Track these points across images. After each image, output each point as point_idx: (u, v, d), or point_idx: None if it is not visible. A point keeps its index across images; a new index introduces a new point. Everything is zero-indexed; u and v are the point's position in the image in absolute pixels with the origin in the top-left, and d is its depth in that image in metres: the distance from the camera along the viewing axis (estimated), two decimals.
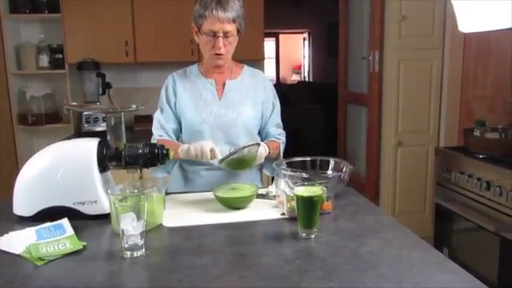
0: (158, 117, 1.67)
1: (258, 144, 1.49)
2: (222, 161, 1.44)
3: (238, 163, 1.45)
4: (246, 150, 1.43)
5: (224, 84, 1.67)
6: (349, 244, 1.08)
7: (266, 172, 1.77)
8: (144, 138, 1.48)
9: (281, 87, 5.76)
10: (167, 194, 1.44)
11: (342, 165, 1.48)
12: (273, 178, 1.55)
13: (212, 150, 1.45)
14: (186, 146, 1.52)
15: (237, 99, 1.65)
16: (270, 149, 1.60)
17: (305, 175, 1.32)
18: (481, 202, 2.08)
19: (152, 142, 1.59)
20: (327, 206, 1.29)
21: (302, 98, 5.98)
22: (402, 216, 3.09)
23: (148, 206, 1.06)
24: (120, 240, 1.03)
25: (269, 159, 1.63)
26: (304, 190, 1.13)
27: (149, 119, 1.70)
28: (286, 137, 1.77)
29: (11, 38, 3.10)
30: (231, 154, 1.43)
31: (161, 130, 1.65)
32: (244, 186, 1.46)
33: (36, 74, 3.16)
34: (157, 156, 1.30)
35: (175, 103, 1.65)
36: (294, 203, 1.20)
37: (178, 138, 1.69)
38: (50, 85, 3.24)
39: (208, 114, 1.62)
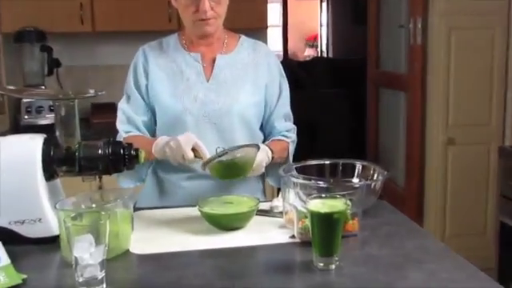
0: (123, 107, 1.67)
1: (257, 146, 1.49)
2: (205, 164, 1.43)
3: (227, 169, 1.45)
4: (238, 152, 1.43)
5: (214, 60, 1.67)
6: (381, 277, 1.08)
7: (270, 181, 1.77)
8: (105, 134, 1.48)
9: (290, 65, 5.75)
10: (136, 209, 1.44)
11: (372, 170, 1.48)
12: (279, 189, 1.55)
13: (195, 149, 1.44)
14: (160, 143, 1.52)
15: (231, 80, 1.65)
16: (274, 152, 1.60)
17: (322, 184, 1.32)
18: None
19: (118, 139, 1.59)
20: (352, 225, 1.29)
21: (318, 80, 5.97)
22: (454, 240, 3.09)
23: (111, 226, 1.06)
24: (73, 272, 1.03)
25: (273, 164, 1.63)
26: (321, 205, 1.13)
27: (112, 108, 1.70)
28: (298, 132, 1.77)
29: None
30: (219, 155, 1.42)
31: (128, 125, 1.65)
32: (240, 199, 1.46)
33: None
34: (122, 158, 1.30)
35: (147, 87, 1.65)
36: (307, 222, 1.20)
37: (154, 133, 1.69)
38: None
39: (191, 101, 1.62)
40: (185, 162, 1.46)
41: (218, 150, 1.44)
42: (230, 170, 1.46)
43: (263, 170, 1.58)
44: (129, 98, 1.67)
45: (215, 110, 1.62)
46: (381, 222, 1.39)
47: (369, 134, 3.95)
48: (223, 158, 1.42)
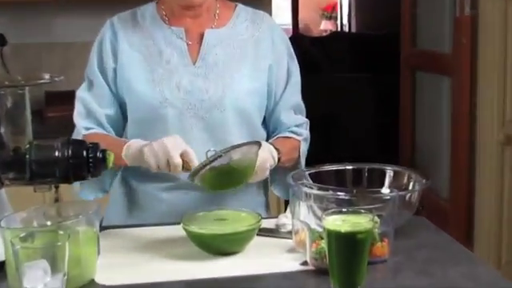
0: (83, 95, 1.67)
1: (258, 143, 1.49)
2: (193, 174, 1.43)
3: (222, 177, 1.45)
4: (235, 154, 1.43)
5: (202, 36, 1.67)
6: None
7: (276, 191, 1.77)
8: (63, 131, 1.48)
9: (301, 42, 5.77)
10: (103, 228, 1.45)
11: (406, 178, 1.49)
12: (287, 202, 1.55)
13: (184, 155, 1.44)
14: (135, 146, 1.52)
15: (224, 62, 1.66)
16: (280, 153, 1.61)
17: (343, 196, 1.32)
18: None
19: (76, 137, 1.59)
20: (381, 248, 1.29)
21: (337, 62, 5.98)
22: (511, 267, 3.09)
23: (71, 249, 1.06)
24: None
25: (280, 169, 1.64)
26: (341, 222, 1.13)
27: (71, 98, 1.70)
28: (311, 128, 1.78)
29: None
30: (210, 160, 1.42)
31: (88, 120, 1.65)
32: (237, 214, 1.46)
33: None
34: (86, 162, 1.30)
35: (115, 70, 1.66)
36: (323, 245, 1.20)
37: (120, 131, 1.70)
38: None
39: (173, 89, 1.62)
40: (167, 171, 1.46)
41: (209, 154, 1.44)
42: (226, 178, 1.47)
43: (267, 174, 1.58)
44: (91, 84, 1.67)
45: (203, 101, 1.62)
46: (418, 244, 1.39)
47: (402, 131, 3.95)
48: (216, 164, 1.42)
